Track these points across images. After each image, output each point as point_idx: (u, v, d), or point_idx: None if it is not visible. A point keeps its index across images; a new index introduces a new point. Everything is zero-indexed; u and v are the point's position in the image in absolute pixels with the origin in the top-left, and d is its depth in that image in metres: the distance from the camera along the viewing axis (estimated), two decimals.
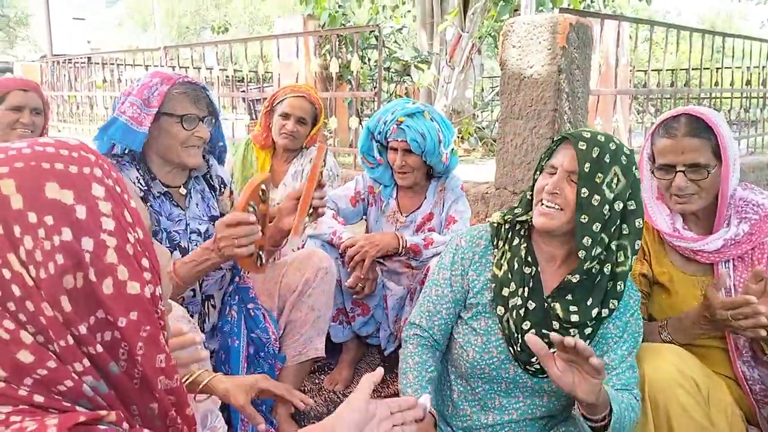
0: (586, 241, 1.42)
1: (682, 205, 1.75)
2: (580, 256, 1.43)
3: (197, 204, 1.92)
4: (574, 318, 1.47)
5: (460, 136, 7.49)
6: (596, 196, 1.41)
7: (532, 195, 1.55)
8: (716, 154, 1.70)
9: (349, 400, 1.01)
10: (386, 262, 2.47)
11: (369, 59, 7.66)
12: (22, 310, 0.64)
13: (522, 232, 1.57)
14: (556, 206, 1.45)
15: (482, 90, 8.69)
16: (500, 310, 1.53)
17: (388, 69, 7.72)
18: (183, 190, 1.88)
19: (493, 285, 1.55)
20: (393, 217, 2.57)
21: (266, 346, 1.94)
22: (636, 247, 1.48)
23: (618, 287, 1.48)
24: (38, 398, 0.65)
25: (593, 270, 1.46)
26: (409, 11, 9.27)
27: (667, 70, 4.53)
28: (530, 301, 1.50)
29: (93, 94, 7.99)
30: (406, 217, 2.55)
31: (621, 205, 1.43)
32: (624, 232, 1.46)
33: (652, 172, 1.80)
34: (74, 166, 0.69)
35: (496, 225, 1.61)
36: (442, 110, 7.25)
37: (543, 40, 2.86)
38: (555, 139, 1.53)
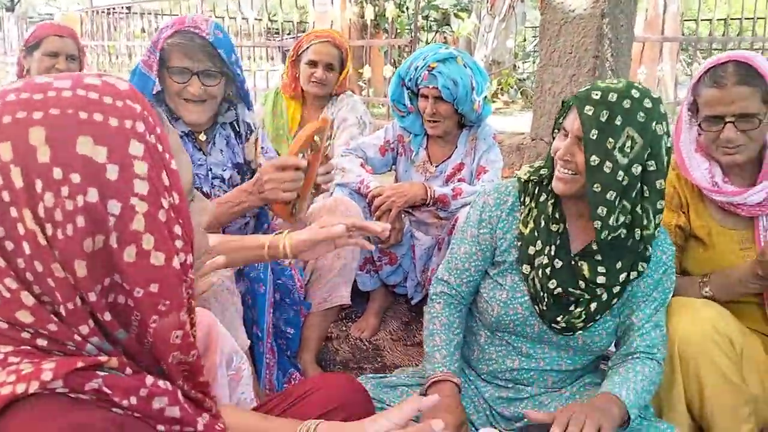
0: (601, 210, 1.34)
1: (731, 157, 1.66)
2: (595, 226, 1.36)
3: (221, 150, 1.90)
4: (601, 279, 1.42)
5: (500, 87, 7.32)
6: (608, 163, 1.32)
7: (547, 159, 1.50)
8: (765, 101, 1.60)
9: (381, 415, 0.96)
10: (414, 212, 2.44)
11: (407, 7, 7.47)
12: (29, 269, 0.61)
13: (550, 188, 1.50)
14: (570, 172, 1.38)
15: (524, 40, 8.43)
16: (526, 268, 1.50)
17: (426, 17, 7.54)
18: (203, 136, 1.86)
19: (519, 243, 1.51)
20: (422, 167, 2.52)
21: (291, 292, 1.95)
22: (659, 207, 1.41)
23: (647, 250, 1.43)
24: (41, 342, 0.63)
25: (620, 235, 1.40)
26: None
27: (718, 19, 4.29)
28: (557, 260, 1.46)
29: (131, 43, 8.03)
30: (435, 167, 2.50)
31: (639, 168, 1.34)
32: (645, 195, 1.38)
33: (699, 125, 1.70)
34: (115, 118, 0.63)
35: (523, 181, 1.55)
36: (481, 60, 7.07)
37: None
38: (565, 100, 1.44)
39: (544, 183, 1.51)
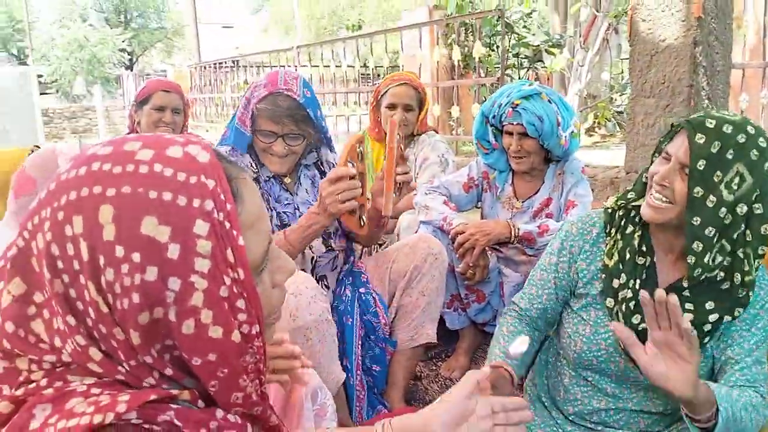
0: (697, 245, 1.27)
1: None
2: (689, 261, 1.29)
3: (307, 190, 2.02)
4: (688, 316, 1.34)
5: (597, 121, 7.14)
6: (711, 197, 1.25)
7: (647, 177, 1.42)
8: None
9: (449, 393, 0.97)
10: (502, 249, 2.42)
11: (497, 46, 7.50)
12: (95, 329, 0.66)
13: (637, 219, 1.44)
14: (665, 199, 1.31)
15: (621, 72, 8.21)
16: (609, 302, 1.44)
17: (516, 55, 7.52)
18: (288, 179, 1.99)
19: (603, 276, 1.46)
20: (509, 203, 2.50)
21: (376, 329, 1.98)
22: (761, 253, 1.31)
23: (747, 296, 1.33)
24: (119, 376, 0.68)
25: (716, 277, 1.32)
26: None
27: None
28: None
29: (236, 95, 8.53)
30: (522, 202, 2.47)
31: (745, 208, 1.26)
32: (747, 239, 1.29)
33: None
34: (184, 197, 0.65)
35: (610, 211, 1.50)
36: (576, 94, 6.94)
37: (676, 11, 2.65)
38: (675, 123, 1.36)
39: (632, 214, 1.45)
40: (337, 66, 5.73)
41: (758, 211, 1.28)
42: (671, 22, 2.66)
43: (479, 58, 4.42)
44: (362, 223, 1.76)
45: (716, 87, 2.70)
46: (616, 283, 1.43)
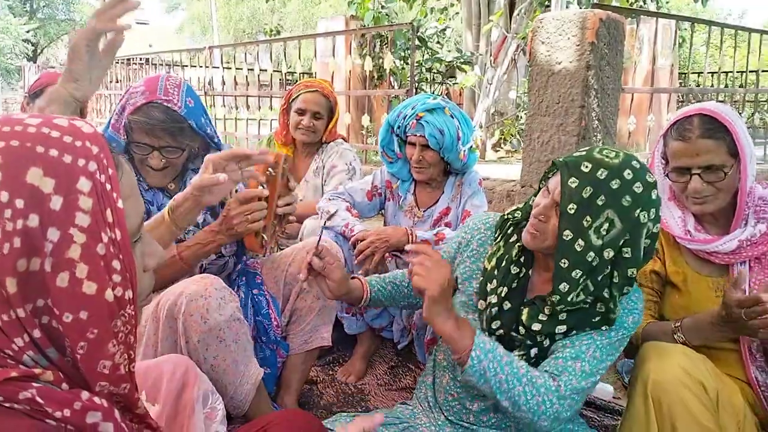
0: (563, 287, 1.32)
1: (699, 206, 1.69)
2: (552, 299, 1.35)
3: None
4: (536, 327, 1.40)
5: (503, 137, 7.41)
6: (580, 241, 1.29)
7: (534, 198, 1.49)
8: (732, 153, 1.63)
9: None
10: (402, 255, 2.47)
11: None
12: None
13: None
14: (540, 233, 1.37)
15: (526, 91, 8.57)
16: (482, 304, 1.50)
17: (429, 70, 7.71)
18: (173, 186, 1.93)
19: (481, 278, 1.52)
20: (411, 211, 2.57)
21: (268, 331, 1.97)
22: (624, 292, 1.40)
23: (603, 327, 1.40)
24: None
25: (580, 309, 1.38)
26: (457, 13, 9.23)
27: (724, 72, 4.38)
28: (507, 302, 1.45)
29: None
30: (423, 211, 2.55)
31: (611, 252, 1.30)
32: (614, 281, 1.35)
33: (666, 175, 1.75)
34: (69, 155, 0.69)
35: (503, 219, 1.57)
36: (484, 111, 7.18)
37: (572, 35, 2.81)
38: (555, 161, 1.40)
39: (520, 225, 1.52)
40: (249, 69, 5.66)
41: (627, 255, 1.33)
42: (567, 46, 2.81)
43: (392, 69, 4.50)
44: (263, 244, 1.74)
45: (606, 108, 2.88)
46: (489, 287, 1.48)
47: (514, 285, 1.46)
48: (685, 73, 5.89)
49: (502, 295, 1.46)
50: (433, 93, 8.01)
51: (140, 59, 8.73)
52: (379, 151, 2.57)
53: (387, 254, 2.35)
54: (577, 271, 1.31)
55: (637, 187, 1.30)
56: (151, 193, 1.89)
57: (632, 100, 3.38)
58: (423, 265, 1.31)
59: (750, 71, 4.40)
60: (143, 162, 1.84)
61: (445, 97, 7.99)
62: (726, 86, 4.55)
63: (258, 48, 5.68)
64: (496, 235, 1.56)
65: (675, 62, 5.65)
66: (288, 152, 3.00)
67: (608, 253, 1.30)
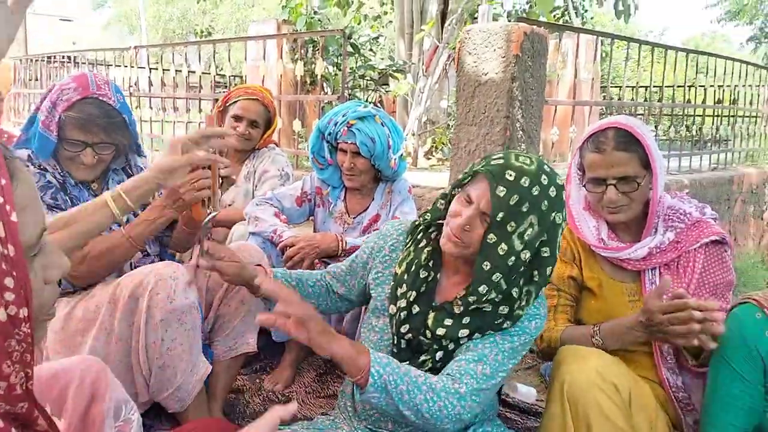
0: (483, 288, 1.37)
1: (614, 216, 1.78)
2: (470, 300, 1.39)
3: None
4: (440, 332, 1.44)
5: (434, 145, 7.51)
6: (503, 245, 1.35)
7: (443, 203, 1.52)
8: (644, 165, 1.72)
9: (254, 426, 0.99)
10: (332, 261, 2.47)
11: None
12: None
13: (432, 236, 1.54)
14: (464, 242, 1.40)
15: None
16: (392, 308, 1.52)
17: (363, 77, 7.75)
18: (95, 185, 1.94)
19: (392, 283, 1.55)
20: (341, 218, 2.57)
21: None
22: (539, 293, 1.47)
23: (505, 325, 1.43)
24: None
25: (484, 309, 1.42)
26: (390, 21, 9.31)
27: (641, 86, 4.60)
28: (416, 306, 1.48)
29: None
30: (353, 218, 2.56)
31: (528, 254, 1.37)
32: (534, 279, 1.42)
33: (583, 185, 1.82)
34: None
35: (415, 224, 1.60)
36: (416, 119, 7.26)
37: (498, 47, 2.89)
38: (473, 168, 1.44)
39: (430, 230, 1.55)
40: (177, 71, 5.53)
41: (545, 255, 1.40)
42: (493, 58, 2.89)
43: (325, 75, 4.50)
44: (209, 212, 1.74)
45: (530, 120, 2.97)
46: (399, 291, 1.51)
47: (423, 289, 1.49)
48: (606, 86, 6.16)
49: (411, 299, 1.48)
50: (367, 100, 8.06)
51: (62, 57, 8.37)
52: (310, 157, 2.57)
53: (317, 261, 2.35)
54: (498, 274, 1.36)
55: (552, 191, 1.37)
56: (77, 189, 1.88)
57: (555, 111, 3.50)
58: (286, 306, 1.27)
59: (667, 86, 4.64)
60: (73, 159, 1.83)
61: (379, 104, 8.03)
62: (645, 100, 4.79)
63: (187, 49, 5.57)
64: (407, 241, 1.59)
65: (596, 76, 5.90)
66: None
67: (525, 255, 1.36)
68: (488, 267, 1.35)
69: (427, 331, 1.45)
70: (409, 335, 1.46)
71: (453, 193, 1.49)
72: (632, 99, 6.13)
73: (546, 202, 1.36)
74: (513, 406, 2.30)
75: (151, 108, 5.98)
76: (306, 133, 5.05)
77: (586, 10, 9.66)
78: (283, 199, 2.53)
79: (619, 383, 1.54)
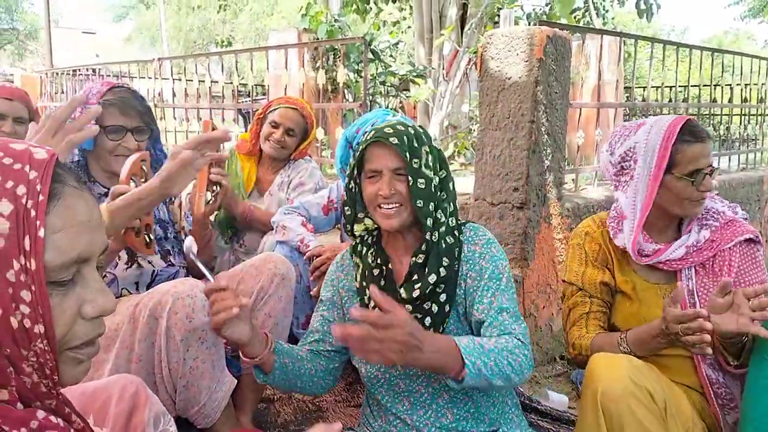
0: (429, 222, 1.51)
1: (695, 209, 1.77)
2: (426, 237, 1.51)
3: None
4: (416, 293, 1.50)
5: (457, 150, 7.49)
6: (421, 180, 1.50)
7: (352, 207, 1.61)
8: None
9: None
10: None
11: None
12: None
13: (369, 240, 1.64)
14: (396, 204, 1.51)
15: (478, 104, 8.69)
16: None
17: (383, 83, 7.76)
18: None
19: (358, 297, 1.63)
20: None
21: None
22: (454, 206, 1.58)
23: (442, 245, 1.52)
24: None
25: (431, 243, 1.52)
26: (409, 27, 9.33)
27: (666, 86, 4.54)
28: None
29: None
30: None
31: (438, 178, 1.54)
32: (443, 197, 1.55)
33: (671, 181, 1.74)
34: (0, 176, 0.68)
35: (352, 245, 1.68)
36: (437, 124, 7.25)
37: (521, 51, 2.87)
38: (357, 146, 1.59)
39: (365, 237, 1.65)
40: (200, 81, 5.58)
41: (443, 175, 1.57)
42: (516, 62, 2.87)
43: (346, 83, 4.52)
44: (148, 243, 1.72)
45: (555, 123, 2.95)
46: (365, 298, 1.58)
47: (383, 282, 1.57)
48: (630, 88, 6.06)
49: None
50: (388, 106, 8.07)
51: (87, 70, 8.51)
52: (337, 167, 2.56)
53: None
54: (431, 203, 1.51)
55: (420, 128, 1.58)
56: (100, 203, 1.88)
57: (580, 114, 3.47)
58: (371, 339, 1.27)
59: (692, 86, 4.58)
60: (114, 151, 1.87)
61: (400, 110, 8.03)
62: (669, 100, 4.73)
63: (209, 60, 5.62)
64: (353, 259, 1.67)
65: (620, 77, 5.83)
66: (252, 163, 2.97)
67: (436, 179, 1.54)
68: (422, 204, 1.50)
69: (407, 305, 1.50)
70: None
71: (352, 190, 1.60)
72: (656, 100, 6.05)
73: (423, 135, 1.56)
74: (544, 414, 2.28)
75: (175, 118, 6.05)
76: (329, 141, 5.06)
77: (607, 11, 9.59)
78: (310, 208, 2.53)
79: (653, 390, 1.52)
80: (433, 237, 1.52)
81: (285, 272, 2.04)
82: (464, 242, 1.58)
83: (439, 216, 1.53)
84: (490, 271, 1.55)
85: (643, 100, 7.26)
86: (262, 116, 2.91)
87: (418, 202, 1.49)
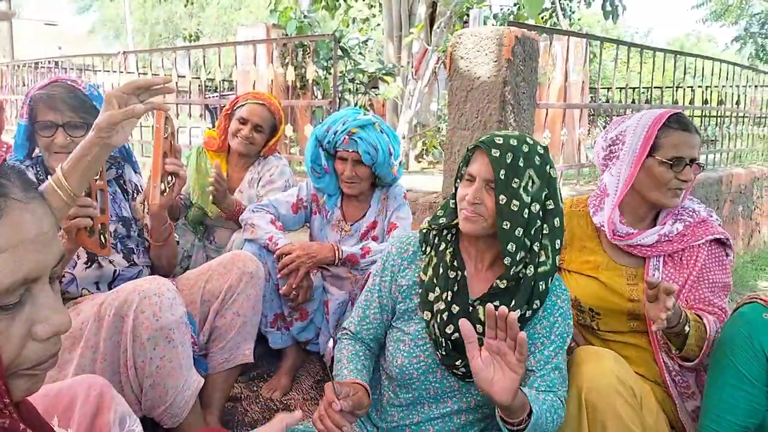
0: (511, 247, 1.44)
1: (675, 198, 1.80)
2: (506, 262, 1.45)
3: None
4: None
5: (425, 148, 7.53)
6: (515, 201, 1.43)
7: (455, 202, 1.56)
8: None
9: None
10: (330, 267, 2.47)
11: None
12: None
13: (449, 237, 1.59)
14: (478, 215, 1.47)
15: (447, 103, 8.74)
16: (426, 315, 1.54)
17: (353, 80, 7.74)
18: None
19: (420, 290, 1.57)
20: (338, 225, 2.57)
21: None
22: (557, 246, 1.51)
23: (540, 287, 1.48)
24: None
25: (519, 274, 1.47)
26: (378, 24, 9.31)
27: (630, 87, 4.62)
28: (454, 305, 1.51)
29: None
30: (351, 225, 2.56)
31: (538, 206, 1.47)
32: (545, 232, 1.49)
33: (646, 163, 1.79)
34: None
35: (424, 231, 1.62)
36: (406, 123, 7.27)
37: (489, 52, 2.90)
38: (469, 147, 1.55)
39: (444, 233, 1.60)
40: (167, 75, 5.49)
41: (550, 207, 1.49)
42: (485, 62, 2.90)
43: (315, 80, 4.50)
44: (102, 243, 1.70)
45: (522, 123, 2.99)
46: (431, 296, 1.54)
47: (456, 288, 1.53)
48: (595, 88, 6.17)
49: (448, 299, 1.52)
50: (357, 104, 8.05)
51: (49, 62, 8.31)
52: (307, 166, 2.55)
53: (314, 269, 2.34)
54: (519, 228, 1.44)
55: (540, 149, 1.50)
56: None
57: (546, 114, 3.52)
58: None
59: (655, 87, 4.67)
60: (49, 147, 1.80)
61: (369, 107, 8.00)
62: (633, 101, 4.83)
63: (176, 54, 5.54)
64: (423, 248, 1.62)
65: (586, 78, 5.93)
66: (221, 160, 2.93)
67: (535, 207, 1.46)
68: (508, 226, 1.44)
69: (478, 326, 1.47)
70: (456, 334, 1.48)
71: (457, 186, 1.57)
72: (620, 101, 6.17)
73: (538, 158, 1.47)
74: None
75: None
76: (297, 138, 5.04)
77: (573, 12, 9.72)
78: (279, 206, 2.52)
79: (635, 386, 1.57)
80: (528, 271, 1.47)
81: (253, 270, 2.02)
82: (550, 291, 1.54)
83: (535, 248, 1.47)
84: (561, 329, 1.53)
85: (607, 101, 7.41)
86: (229, 112, 2.88)
87: (504, 223, 1.44)
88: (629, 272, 1.85)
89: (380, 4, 9.07)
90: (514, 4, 8.11)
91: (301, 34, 7.02)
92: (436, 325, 1.52)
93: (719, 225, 1.86)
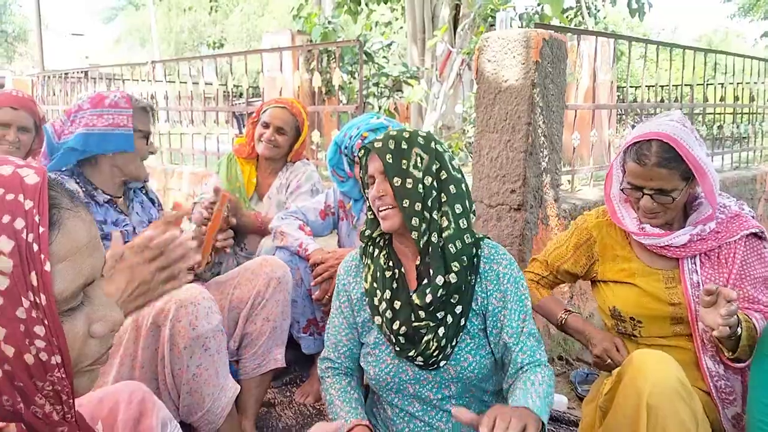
0: (415, 222, 1.51)
1: (649, 220, 1.79)
2: (413, 236, 1.51)
3: (137, 212, 2.04)
4: (429, 299, 1.51)
5: (451, 150, 7.52)
6: (408, 180, 1.51)
7: (372, 213, 1.62)
8: (684, 177, 1.71)
9: None
10: None
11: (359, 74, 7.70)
12: None
13: (381, 243, 1.65)
14: (388, 206, 1.53)
15: (472, 105, 8.72)
16: (377, 319, 1.58)
17: (377, 84, 7.77)
18: (122, 201, 2.01)
19: (366, 299, 1.62)
20: None
21: None
22: (458, 210, 1.54)
23: (450, 249, 1.51)
24: None
25: (429, 246, 1.52)
26: (401, 27, 9.34)
27: (660, 86, 4.56)
28: (396, 301, 1.56)
29: None
30: None
31: (431, 179, 1.53)
32: (443, 200, 1.54)
33: (621, 188, 1.83)
34: None
35: (363, 245, 1.68)
36: (431, 125, 7.27)
37: (517, 54, 2.88)
38: (360, 156, 1.64)
39: (377, 240, 1.65)
40: (194, 83, 5.56)
41: (444, 176, 1.54)
42: (513, 64, 2.88)
43: (340, 85, 4.52)
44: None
45: (551, 125, 2.96)
46: (375, 300, 1.58)
47: (395, 285, 1.58)
48: (623, 87, 6.10)
49: (388, 297, 1.56)
50: (381, 108, 8.07)
51: (78, 72, 8.47)
52: (329, 170, 2.57)
53: None
54: (417, 203, 1.50)
55: (422, 133, 1.60)
56: (104, 209, 1.91)
57: (575, 115, 3.49)
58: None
59: (685, 85, 4.60)
60: (144, 155, 1.99)
61: (394, 111, 8.01)
62: (662, 100, 4.76)
63: (202, 62, 5.60)
64: (363, 260, 1.67)
65: (614, 78, 5.86)
66: (252, 168, 2.97)
67: (428, 180, 1.52)
68: (408, 203, 1.50)
69: (420, 311, 1.51)
70: (404, 328, 1.52)
71: (365, 191, 1.64)
72: (649, 100, 6.10)
73: (420, 138, 1.56)
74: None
75: (167, 121, 6.03)
76: (324, 143, 5.07)
77: (598, 10, 9.63)
78: (307, 213, 2.54)
79: (693, 391, 1.53)
80: (432, 238, 1.51)
81: (281, 276, 2.03)
82: (482, 258, 1.58)
83: (434, 217, 1.52)
84: (515, 294, 1.56)
85: (635, 100, 7.30)
86: (256, 119, 2.92)
87: (404, 202, 1.51)
88: (666, 275, 1.82)
89: (403, 8, 9.09)
90: (538, 4, 8.06)
91: (325, 39, 7.07)
92: (385, 326, 1.56)
93: (753, 218, 1.82)
